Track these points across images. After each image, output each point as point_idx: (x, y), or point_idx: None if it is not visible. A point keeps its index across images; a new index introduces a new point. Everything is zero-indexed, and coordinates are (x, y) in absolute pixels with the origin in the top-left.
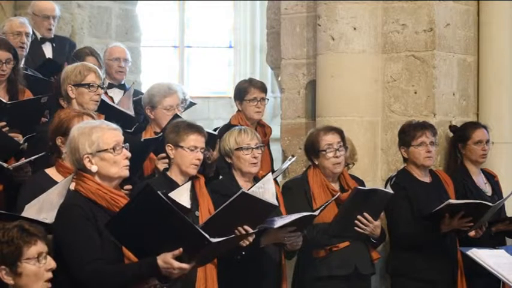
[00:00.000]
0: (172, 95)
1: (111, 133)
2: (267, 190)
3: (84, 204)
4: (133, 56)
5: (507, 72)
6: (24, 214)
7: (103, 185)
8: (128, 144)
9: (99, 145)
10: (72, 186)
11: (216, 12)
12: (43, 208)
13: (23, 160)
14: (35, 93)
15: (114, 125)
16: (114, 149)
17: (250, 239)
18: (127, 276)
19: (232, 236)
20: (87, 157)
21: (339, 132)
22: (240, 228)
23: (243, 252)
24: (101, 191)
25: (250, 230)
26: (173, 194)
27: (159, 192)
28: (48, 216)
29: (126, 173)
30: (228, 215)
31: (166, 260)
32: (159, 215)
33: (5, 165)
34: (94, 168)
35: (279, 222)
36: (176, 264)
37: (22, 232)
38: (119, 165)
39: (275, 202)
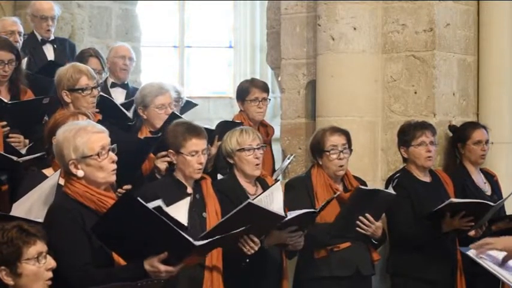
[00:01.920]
0: (164, 93)
1: (96, 137)
2: (275, 199)
3: (73, 207)
4: None
5: (507, 72)
6: (13, 213)
7: (90, 187)
8: (115, 145)
9: (84, 151)
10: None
11: (216, 12)
12: (33, 205)
13: (30, 156)
14: (37, 93)
15: (99, 127)
16: (99, 154)
17: (256, 247)
18: (116, 280)
19: (217, 237)
20: (73, 163)
21: (345, 134)
22: (245, 237)
23: (247, 260)
24: (89, 193)
25: (256, 240)
26: (171, 209)
27: (139, 198)
28: (39, 214)
29: (113, 178)
30: (233, 224)
31: (153, 263)
32: (142, 221)
33: (15, 158)
34: (80, 173)
35: None
36: (163, 267)
37: (21, 232)
38: (106, 170)
39: (282, 213)
